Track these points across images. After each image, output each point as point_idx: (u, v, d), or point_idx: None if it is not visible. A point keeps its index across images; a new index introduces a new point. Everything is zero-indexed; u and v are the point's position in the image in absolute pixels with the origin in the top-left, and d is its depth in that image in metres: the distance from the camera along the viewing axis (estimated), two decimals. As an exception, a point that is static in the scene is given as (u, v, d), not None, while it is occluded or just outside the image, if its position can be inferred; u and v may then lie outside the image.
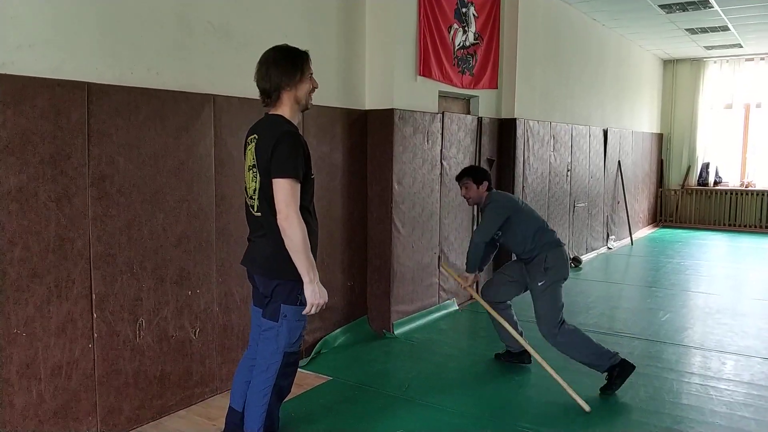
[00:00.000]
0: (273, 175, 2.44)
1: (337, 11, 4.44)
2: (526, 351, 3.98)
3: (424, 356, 4.40)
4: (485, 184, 4.04)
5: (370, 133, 4.74)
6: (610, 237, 9.13)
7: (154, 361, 3.30)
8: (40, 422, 2.81)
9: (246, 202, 2.69)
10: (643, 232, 10.68)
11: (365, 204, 4.78)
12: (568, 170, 7.55)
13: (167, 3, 3.25)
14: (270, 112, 2.64)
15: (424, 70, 4.96)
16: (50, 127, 2.75)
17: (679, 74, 11.51)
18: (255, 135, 2.60)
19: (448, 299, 5.53)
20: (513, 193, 6.25)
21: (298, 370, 3.02)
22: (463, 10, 5.38)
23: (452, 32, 5.27)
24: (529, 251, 3.92)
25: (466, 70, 5.53)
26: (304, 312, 2.58)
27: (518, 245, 3.96)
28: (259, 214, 2.59)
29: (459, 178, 4.09)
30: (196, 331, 3.51)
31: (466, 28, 5.44)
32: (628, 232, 9.64)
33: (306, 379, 3.89)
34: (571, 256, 7.74)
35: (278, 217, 2.44)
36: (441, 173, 5.28)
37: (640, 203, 10.66)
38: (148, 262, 3.22)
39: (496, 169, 6.18)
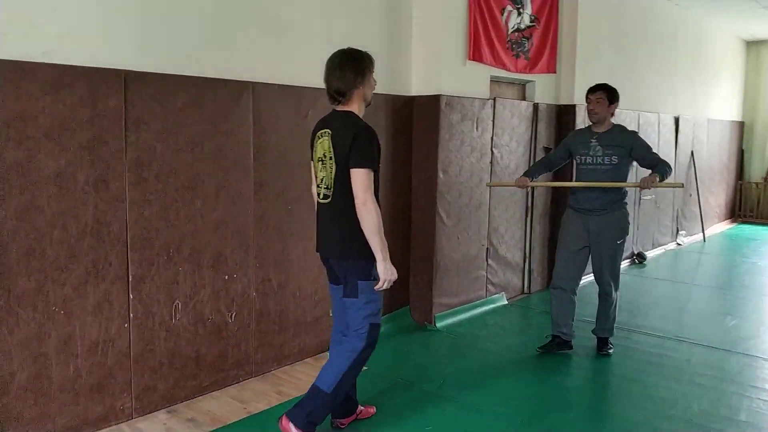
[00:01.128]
0: (351, 166, 2.69)
1: (384, -5, 4.37)
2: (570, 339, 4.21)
3: (464, 351, 4.30)
4: (616, 105, 4.04)
5: (415, 120, 4.65)
6: (680, 232, 8.65)
7: (189, 343, 3.38)
8: (77, 395, 2.93)
9: (319, 191, 2.88)
10: (718, 228, 10.04)
11: (409, 193, 4.71)
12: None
13: (206, -10, 3.28)
14: (338, 109, 2.85)
15: (475, 54, 4.81)
16: (88, 113, 2.84)
17: (763, 57, 10.69)
18: (327, 129, 2.81)
19: (497, 293, 5.39)
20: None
21: None
22: (519, -9, 5.17)
23: (506, 14, 5.08)
24: (623, 197, 4.05)
25: (521, 53, 5.32)
26: (376, 287, 2.79)
27: (618, 191, 4.02)
28: (326, 201, 2.82)
29: (592, 90, 4.05)
30: (232, 315, 3.57)
31: (521, 10, 5.23)
32: (700, 227, 9.10)
33: (341, 368, 3.89)
34: (635, 252, 7.39)
35: (356, 203, 2.69)
36: (491, 162, 5.12)
37: (717, 197, 10.03)
38: (184, 246, 3.29)
39: (553, 159, 5.94)
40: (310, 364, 3.98)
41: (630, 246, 7.28)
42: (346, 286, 2.85)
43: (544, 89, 5.78)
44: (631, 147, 3.97)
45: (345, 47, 2.86)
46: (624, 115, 6.81)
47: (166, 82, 3.12)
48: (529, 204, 5.73)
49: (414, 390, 3.61)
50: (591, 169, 4.04)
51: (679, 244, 8.55)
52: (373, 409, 3.27)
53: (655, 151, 4.06)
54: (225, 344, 3.56)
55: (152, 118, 3.08)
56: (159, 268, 3.20)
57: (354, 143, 2.69)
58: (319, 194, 2.88)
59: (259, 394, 3.53)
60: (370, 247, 2.72)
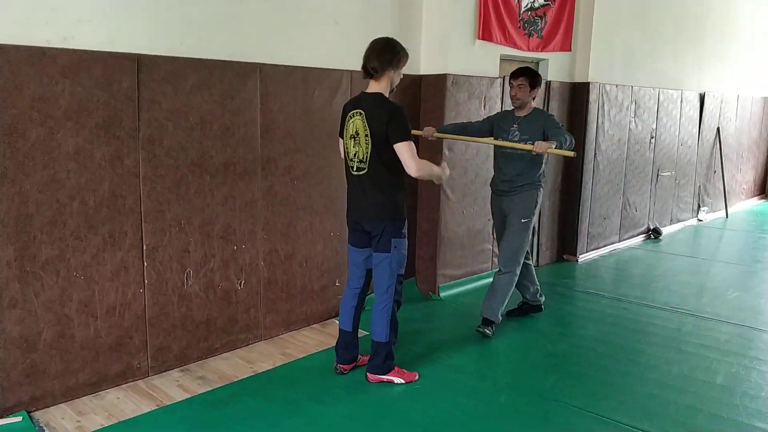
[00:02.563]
0: (394, 141, 3.11)
1: (392, -24, 4.47)
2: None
3: (462, 319, 4.49)
4: (537, 90, 4.06)
5: (422, 99, 4.78)
6: (702, 208, 8.60)
7: (200, 308, 3.65)
8: (97, 354, 3.24)
9: (347, 164, 3.32)
10: (745, 205, 9.92)
11: (416, 169, 4.86)
12: (652, 137, 7.16)
13: (215, -24, 3.45)
14: (368, 91, 3.23)
15: (484, 34, 4.89)
16: (104, 95, 3.07)
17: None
18: (359, 110, 3.20)
19: (504, 265, 5.54)
20: (583, 161, 6.07)
21: (339, 328, 3.57)
22: (532, -31, 5.20)
23: (518, -6, 5.12)
24: (536, 180, 4.09)
25: (534, 32, 5.36)
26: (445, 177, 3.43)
27: (537, 167, 4.07)
28: (361, 173, 3.23)
29: (514, 75, 4.05)
30: (241, 282, 3.83)
31: (535, -11, 5.26)
32: (723, 203, 9.02)
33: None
34: (651, 227, 7.41)
35: (409, 170, 3.15)
36: (499, 139, 5.22)
37: (744, 174, 9.88)
38: (195, 218, 3.54)
39: (565, 136, 6.00)
40: (317, 330, 4.23)
41: (645, 221, 7.32)
42: (378, 243, 3.28)
43: (558, 67, 5.82)
44: (544, 127, 3.97)
45: (384, 38, 3.26)
46: (642, 92, 6.80)
47: (177, 65, 3.33)
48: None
49: (409, 353, 3.82)
50: (508, 152, 4.09)
51: (700, 220, 8.51)
52: (367, 357, 3.58)
53: (559, 125, 4.01)
54: (234, 309, 3.83)
55: (164, 99, 3.30)
56: (171, 238, 3.45)
57: (390, 121, 3.10)
58: (352, 167, 3.26)
59: (265, 356, 3.80)
60: (400, 211, 3.27)
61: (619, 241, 6.91)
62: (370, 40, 3.26)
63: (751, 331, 4.37)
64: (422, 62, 4.78)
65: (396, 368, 3.48)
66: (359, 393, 3.36)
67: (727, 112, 8.85)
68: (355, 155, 3.25)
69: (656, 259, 6.50)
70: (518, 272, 4.18)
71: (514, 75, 4.06)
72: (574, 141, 3.88)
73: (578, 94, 6.01)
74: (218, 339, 3.76)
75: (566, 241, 6.29)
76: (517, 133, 4.05)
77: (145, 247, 3.35)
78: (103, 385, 3.29)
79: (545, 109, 5.70)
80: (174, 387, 3.38)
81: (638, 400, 3.33)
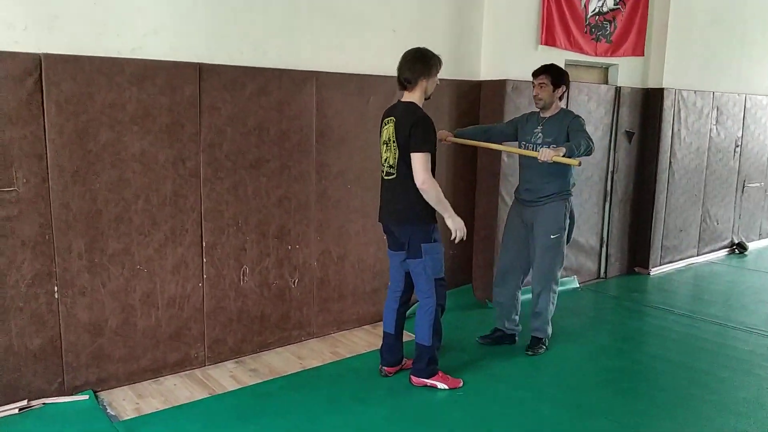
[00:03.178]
0: (412, 150, 3.15)
1: (452, -17, 4.51)
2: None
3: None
4: (562, 89, 3.78)
5: (482, 104, 4.78)
6: (797, 223, 7.98)
7: (255, 303, 3.83)
8: (157, 342, 3.48)
9: (382, 169, 3.38)
10: None
11: (474, 175, 4.86)
12: (737, 146, 6.75)
13: (274, -11, 3.63)
14: (402, 100, 3.31)
15: (548, 39, 4.83)
16: (167, 101, 3.31)
17: None
18: (392, 117, 3.28)
19: (567, 276, 5.41)
20: (657, 170, 5.83)
21: (383, 330, 3.61)
22: (601, -27, 5.08)
23: (585, -2, 5.02)
24: (564, 190, 3.84)
25: (602, 37, 5.23)
26: (453, 238, 3.30)
27: (562, 176, 3.80)
28: (390, 177, 3.31)
29: (536, 74, 3.79)
30: (295, 281, 3.98)
31: (603, -7, 5.13)
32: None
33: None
34: (736, 241, 6.98)
35: (417, 181, 3.15)
36: (563, 146, 5.12)
37: None
38: (251, 218, 3.73)
39: (637, 143, 5.79)
40: (368, 330, 4.32)
41: (729, 234, 6.90)
42: (409, 249, 3.31)
43: (630, 72, 5.63)
44: (567, 129, 3.70)
45: (416, 48, 3.29)
46: (726, 98, 6.44)
47: (236, 73, 3.53)
48: (608, 189, 5.65)
49: (453, 359, 3.82)
50: (529, 159, 3.76)
51: (796, 236, 7.91)
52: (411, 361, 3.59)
53: (589, 136, 3.67)
54: (288, 307, 3.98)
55: (223, 105, 3.51)
56: (229, 236, 3.65)
57: (412, 130, 3.14)
58: (383, 172, 3.36)
59: (315, 353, 3.93)
60: (427, 214, 3.24)
61: (697, 255, 6.56)
62: (426, 47, 3.29)
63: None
64: (482, 67, 4.78)
65: (440, 373, 3.49)
66: (401, 396, 3.40)
67: (828, 120, 8.18)
68: (386, 160, 3.32)
69: (738, 276, 6.12)
70: (557, 289, 3.97)
71: (536, 73, 3.80)
72: (593, 146, 3.61)
73: (652, 100, 5.79)
74: (272, 334, 3.93)
75: (638, 253, 6.05)
76: (540, 135, 3.80)
77: (204, 244, 3.56)
78: (163, 372, 3.52)
79: (615, 117, 5.53)
80: (227, 377, 3.57)
81: (692, 422, 3.17)
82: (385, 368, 3.60)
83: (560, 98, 3.84)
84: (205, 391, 3.39)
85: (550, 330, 4.03)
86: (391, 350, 3.59)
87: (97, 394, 3.29)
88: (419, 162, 3.14)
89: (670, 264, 6.23)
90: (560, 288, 5.21)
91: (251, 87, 3.60)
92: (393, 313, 3.55)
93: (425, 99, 3.33)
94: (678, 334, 4.42)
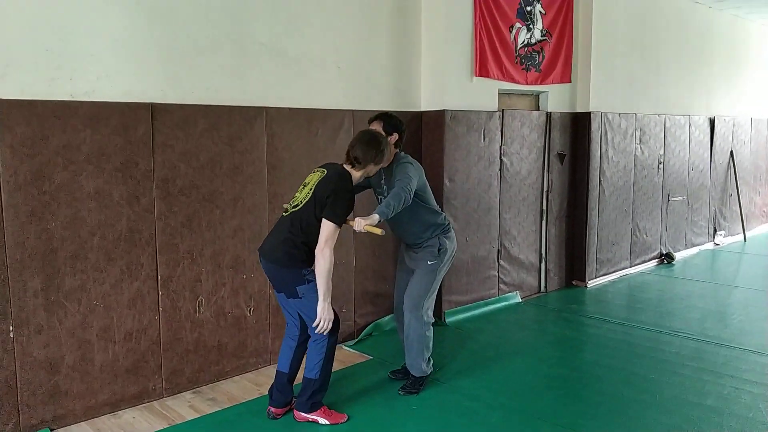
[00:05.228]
0: (325, 216, 3.18)
1: (390, 18, 4.77)
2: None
3: (467, 344, 4.67)
4: (395, 136, 3.58)
5: (424, 134, 5.05)
6: (718, 232, 8.60)
7: (212, 333, 3.92)
8: (115, 376, 3.52)
9: (285, 207, 3.38)
10: (765, 228, 9.85)
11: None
12: (660, 162, 7.28)
13: (222, 29, 3.80)
14: (344, 164, 3.37)
15: (481, 71, 5.15)
16: (121, 141, 3.41)
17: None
18: (324, 170, 3.35)
19: (510, 291, 5.71)
20: (588, 188, 6.23)
21: (345, 348, 3.70)
22: (528, 8, 5.47)
23: (514, 31, 5.39)
24: (437, 229, 3.70)
25: (531, 66, 5.61)
26: (314, 324, 3.24)
27: (429, 225, 3.67)
28: (286, 215, 3.30)
29: (369, 121, 3.66)
30: (250, 309, 4.09)
31: (531, 26, 5.52)
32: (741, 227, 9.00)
33: (349, 357, 4.35)
34: (664, 251, 7.47)
35: (317, 247, 3.17)
36: (501, 169, 5.45)
37: (764, 197, 9.84)
38: (206, 250, 3.84)
39: (568, 163, 6.19)
40: (323, 355, 4.44)
41: (657, 246, 7.39)
42: (285, 290, 3.30)
43: (558, 98, 6.04)
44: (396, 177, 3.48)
45: (374, 132, 3.43)
46: (647, 119, 6.95)
47: (188, 111, 3.67)
48: (544, 207, 6.00)
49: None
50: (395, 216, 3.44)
51: (717, 244, 8.51)
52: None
53: (410, 181, 3.41)
54: (245, 335, 4.09)
55: (176, 142, 3.63)
56: (184, 268, 3.75)
57: (333, 197, 3.19)
58: (286, 210, 3.34)
59: (272, 379, 4.01)
60: (303, 259, 3.23)
61: (630, 267, 6.99)
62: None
63: (750, 354, 4.43)
64: (422, 99, 5.06)
65: (323, 408, 3.41)
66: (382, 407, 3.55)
67: (740, 135, 8.90)
68: (295, 199, 3.32)
69: (666, 284, 6.57)
70: (428, 321, 3.78)
71: (370, 121, 3.67)
72: (407, 197, 3.32)
73: (580, 123, 6.21)
74: (229, 363, 4.02)
75: (575, 267, 6.42)
76: (385, 187, 3.63)
77: (159, 278, 3.65)
78: (121, 405, 3.56)
79: (547, 140, 5.91)
80: (186, 407, 3.64)
81: (626, 420, 3.46)
82: (273, 409, 3.47)
83: (396, 146, 3.62)
84: (164, 422, 3.45)
85: (427, 368, 3.82)
86: (283, 390, 3.45)
87: (54, 431, 3.31)
88: (326, 230, 3.15)
89: (605, 276, 6.63)
90: (503, 304, 5.55)
91: (203, 124, 3.74)
92: (288, 352, 3.47)
93: (361, 178, 3.37)
94: (613, 341, 4.76)
